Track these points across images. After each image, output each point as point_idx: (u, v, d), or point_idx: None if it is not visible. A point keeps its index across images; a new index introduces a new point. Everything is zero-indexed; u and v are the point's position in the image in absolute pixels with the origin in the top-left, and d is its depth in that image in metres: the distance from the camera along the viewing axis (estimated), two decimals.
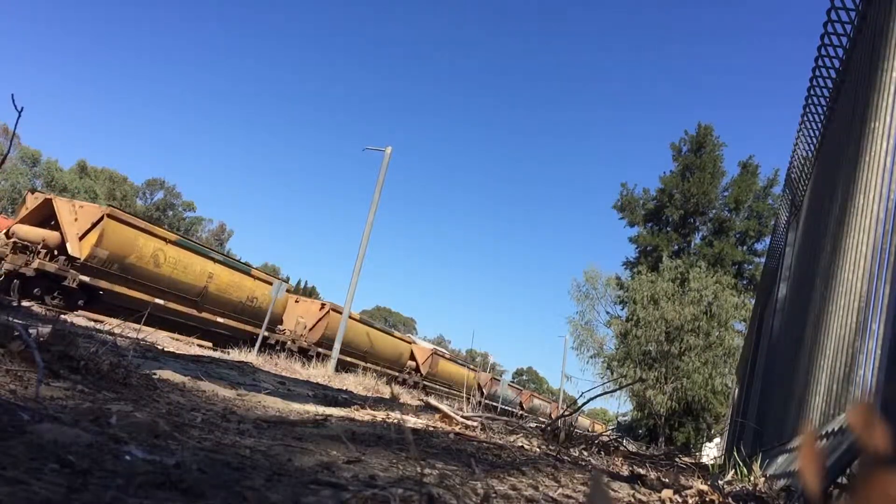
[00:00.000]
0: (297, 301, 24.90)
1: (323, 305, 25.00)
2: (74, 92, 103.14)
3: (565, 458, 3.33)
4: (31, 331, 3.01)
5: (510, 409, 38.93)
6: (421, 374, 31.44)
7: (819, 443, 2.57)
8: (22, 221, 15.36)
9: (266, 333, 20.67)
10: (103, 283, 15.67)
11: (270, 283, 21.37)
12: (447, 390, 32.43)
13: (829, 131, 4.85)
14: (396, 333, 31.62)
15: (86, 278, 15.14)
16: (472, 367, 40.12)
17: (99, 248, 15.20)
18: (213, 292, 19.34)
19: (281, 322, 23.34)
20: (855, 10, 3.83)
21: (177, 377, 4.38)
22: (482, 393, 36.85)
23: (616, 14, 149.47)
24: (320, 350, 23.60)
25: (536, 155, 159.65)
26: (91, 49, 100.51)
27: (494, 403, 35.30)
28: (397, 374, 29.07)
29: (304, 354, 22.63)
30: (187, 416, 2.67)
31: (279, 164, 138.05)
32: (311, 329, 24.16)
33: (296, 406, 4.51)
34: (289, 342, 22.85)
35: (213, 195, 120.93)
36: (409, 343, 32.65)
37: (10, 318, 3.04)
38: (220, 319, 19.86)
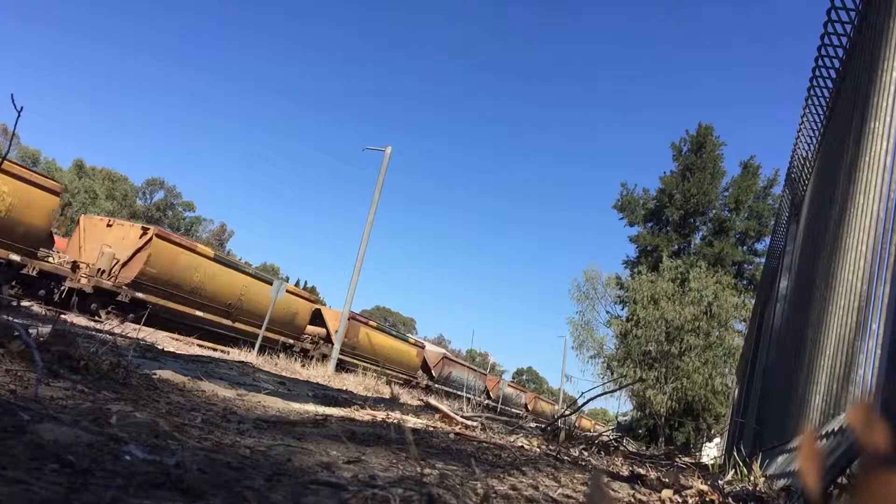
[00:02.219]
0: (109, 225, 17.22)
1: (145, 231, 16.76)
2: (74, 92, 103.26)
3: (565, 458, 3.33)
4: (31, 331, 3.01)
5: (471, 396, 33.77)
6: (332, 346, 24.22)
7: (819, 443, 2.57)
8: None
9: (16, 258, 13.96)
10: None
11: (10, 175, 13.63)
12: (376, 367, 26.13)
13: (829, 131, 4.85)
14: (292, 287, 23.52)
15: None
16: (414, 341, 32.40)
17: None
18: None
19: (50, 243, 15.91)
20: (855, 10, 3.83)
21: (177, 377, 4.38)
22: (431, 376, 31.33)
23: (617, 14, 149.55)
24: (138, 295, 16.00)
25: (537, 155, 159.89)
26: (90, 49, 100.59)
27: (448, 388, 30.36)
28: (291, 341, 22.36)
29: (111, 300, 15.78)
30: (187, 416, 2.67)
31: (279, 164, 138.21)
32: (125, 264, 16.06)
33: (296, 406, 4.51)
34: (81, 280, 15.41)
35: (213, 195, 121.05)
36: (314, 303, 24.77)
37: (10, 318, 3.04)
38: None
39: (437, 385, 30.61)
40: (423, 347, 32.29)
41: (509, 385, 41.73)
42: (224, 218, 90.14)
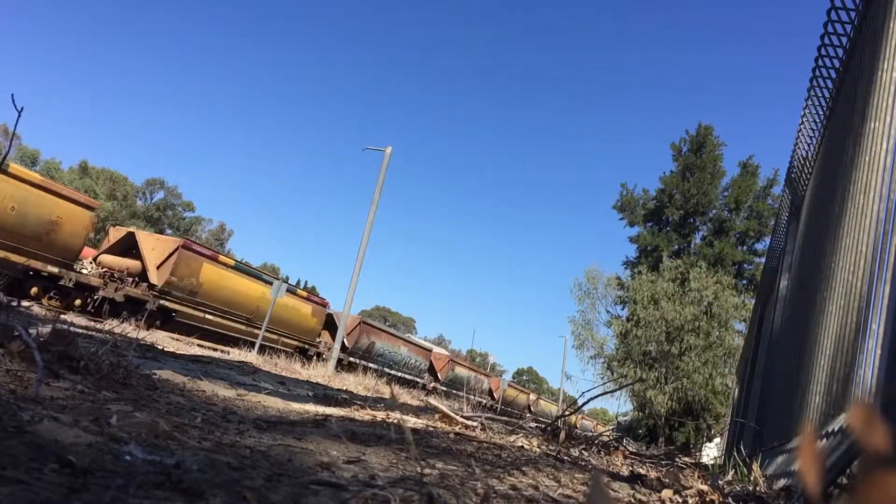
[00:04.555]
0: None
1: None
2: (75, 92, 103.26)
3: (565, 458, 3.33)
4: (31, 331, 3.00)
5: (410, 376, 26.32)
6: (153, 287, 16.18)
7: (819, 443, 2.57)
8: None
9: None
10: None
11: None
12: (240, 326, 18.64)
13: (829, 131, 4.85)
14: (36, 176, 14.19)
15: None
16: (307, 294, 22.82)
17: None
18: None
19: None
20: (855, 10, 3.83)
21: (177, 377, 4.38)
22: (343, 345, 22.74)
23: (617, 15, 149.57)
24: None
25: (537, 155, 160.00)
26: (91, 49, 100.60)
27: (371, 364, 23.84)
28: (52, 269, 14.24)
29: None
30: (187, 416, 2.67)
31: (279, 164, 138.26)
32: None
33: (296, 406, 4.51)
34: None
35: (213, 195, 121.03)
36: (93, 209, 15.05)
37: (10, 318, 3.04)
38: None
39: (351, 359, 23.67)
40: (325, 305, 23.41)
41: (464, 366, 33.96)
42: (224, 218, 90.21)
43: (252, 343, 17.78)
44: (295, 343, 20.94)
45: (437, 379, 29.84)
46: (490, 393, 34.78)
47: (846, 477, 2.08)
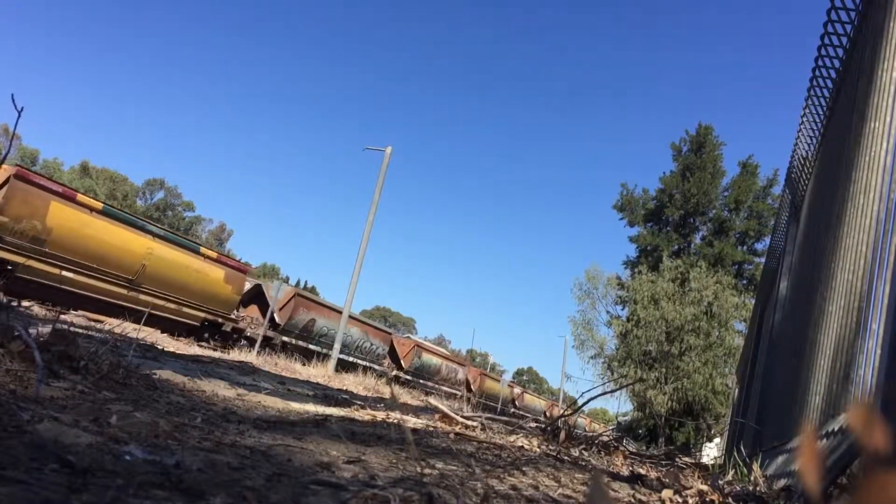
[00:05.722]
0: None
1: None
2: (75, 92, 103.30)
3: (565, 458, 3.33)
4: (31, 331, 3.00)
5: (364, 362, 22.25)
6: None
7: (819, 443, 2.56)
8: None
9: None
10: None
11: None
12: (124, 290, 14.40)
13: (829, 131, 4.85)
14: None
15: None
16: (217, 255, 17.89)
17: None
18: None
19: None
20: (855, 10, 3.83)
21: (177, 377, 4.38)
22: (275, 324, 19.43)
23: (617, 15, 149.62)
24: None
25: (537, 155, 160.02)
26: (91, 49, 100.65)
27: (312, 346, 20.24)
28: None
29: None
30: (187, 416, 2.67)
31: (279, 164, 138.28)
32: None
33: (296, 406, 4.52)
34: None
35: (213, 195, 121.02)
36: None
37: (10, 318, 3.04)
38: None
39: (284, 338, 19.76)
40: (243, 271, 18.46)
41: (434, 353, 28.84)
42: (224, 218, 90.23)
43: (137, 311, 13.32)
44: (202, 315, 16.66)
45: (400, 367, 25.57)
46: (467, 385, 29.83)
47: (846, 477, 2.08)
